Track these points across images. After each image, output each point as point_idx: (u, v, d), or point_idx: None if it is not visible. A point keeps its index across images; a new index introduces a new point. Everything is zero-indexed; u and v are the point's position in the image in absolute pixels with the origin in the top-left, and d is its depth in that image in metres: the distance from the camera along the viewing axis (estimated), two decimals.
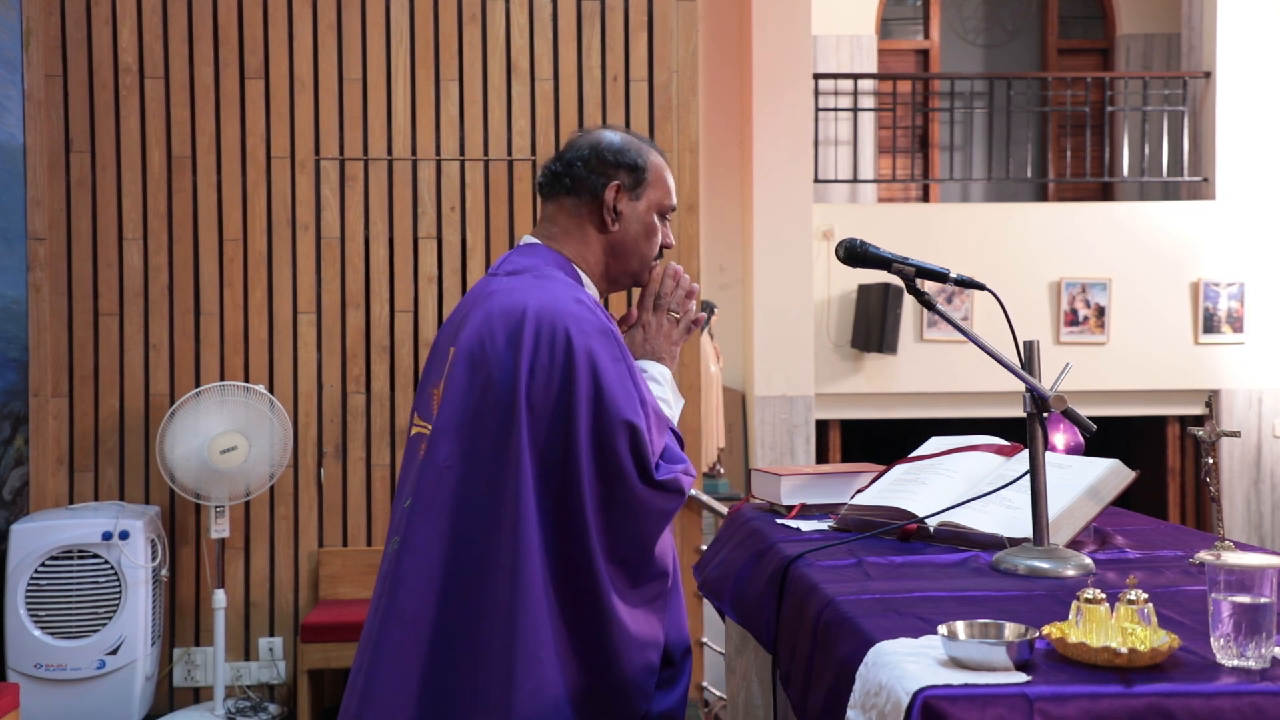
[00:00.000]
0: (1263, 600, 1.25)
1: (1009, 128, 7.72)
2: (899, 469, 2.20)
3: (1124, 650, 1.24)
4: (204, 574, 4.23)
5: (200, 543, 4.24)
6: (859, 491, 2.21)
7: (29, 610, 3.81)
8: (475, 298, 1.92)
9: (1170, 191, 7.92)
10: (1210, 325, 7.24)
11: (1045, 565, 1.69)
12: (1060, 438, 2.32)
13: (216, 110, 4.30)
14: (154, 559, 3.98)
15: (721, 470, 6.37)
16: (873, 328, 6.85)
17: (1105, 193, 8.41)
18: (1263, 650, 1.25)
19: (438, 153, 4.36)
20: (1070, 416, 1.82)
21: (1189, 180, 7.58)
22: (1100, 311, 7.17)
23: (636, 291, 2.06)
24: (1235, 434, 1.77)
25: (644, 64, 4.40)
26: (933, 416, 7.20)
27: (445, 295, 4.34)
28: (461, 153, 4.37)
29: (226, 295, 4.30)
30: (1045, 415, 1.75)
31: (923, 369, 7.08)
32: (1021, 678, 1.23)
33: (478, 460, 1.79)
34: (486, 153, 4.37)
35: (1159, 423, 7.72)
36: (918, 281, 1.87)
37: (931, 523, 1.95)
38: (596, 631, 1.79)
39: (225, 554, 4.20)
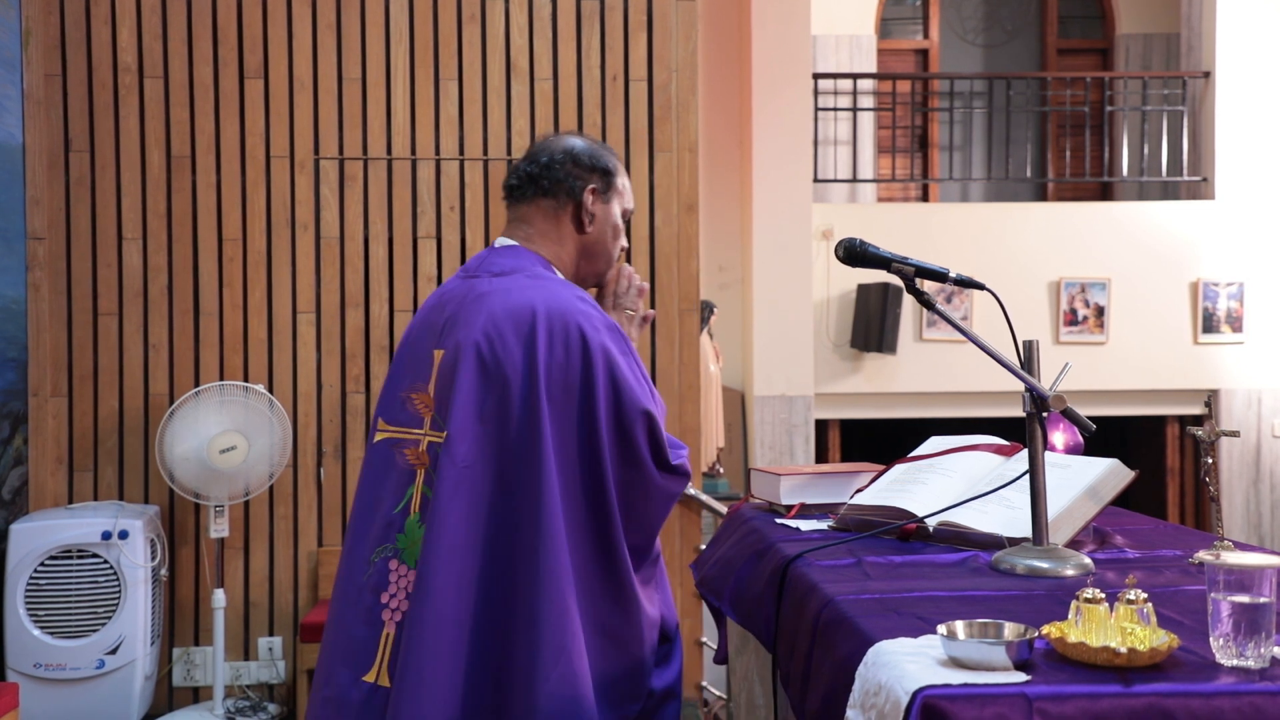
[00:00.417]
0: (1262, 600, 1.25)
1: (1008, 128, 7.72)
2: (898, 469, 2.20)
3: (1123, 650, 1.24)
4: (203, 574, 4.23)
5: (200, 542, 4.24)
6: (858, 491, 2.21)
7: (28, 610, 3.81)
8: (459, 300, 1.93)
9: (1170, 191, 7.92)
10: (1209, 325, 7.24)
11: (1044, 565, 1.69)
12: (1059, 437, 2.32)
13: (216, 110, 4.30)
14: (153, 559, 3.98)
15: (721, 470, 6.37)
16: (872, 327, 6.85)
17: (1105, 193, 8.42)
18: (1262, 650, 1.25)
19: (437, 152, 4.36)
20: (1069, 416, 1.82)
21: (1188, 180, 7.59)
22: (1099, 311, 7.18)
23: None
24: (1234, 434, 1.77)
25: (644, 64, 4.40)
26: (932, 416, 7.20)
27: None
28: (461, 152, 4.37)
29: (226, 295, 4.30)
30: (1044, 415, 1.75)
31: (922, 369, 7.09)
32: (1021, 677, 1.23)
33: (499, 458, 1.83)
34: (486, 152, 4.37)
35: (1158, 422, 7.72)
36: (917, 281, 1.87)
37: (931, 522, 1.95)
38: (623, 616, 1.86)
39: (225, 554, 4.20)
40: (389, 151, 4.35)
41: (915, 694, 1.20)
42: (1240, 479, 7.33)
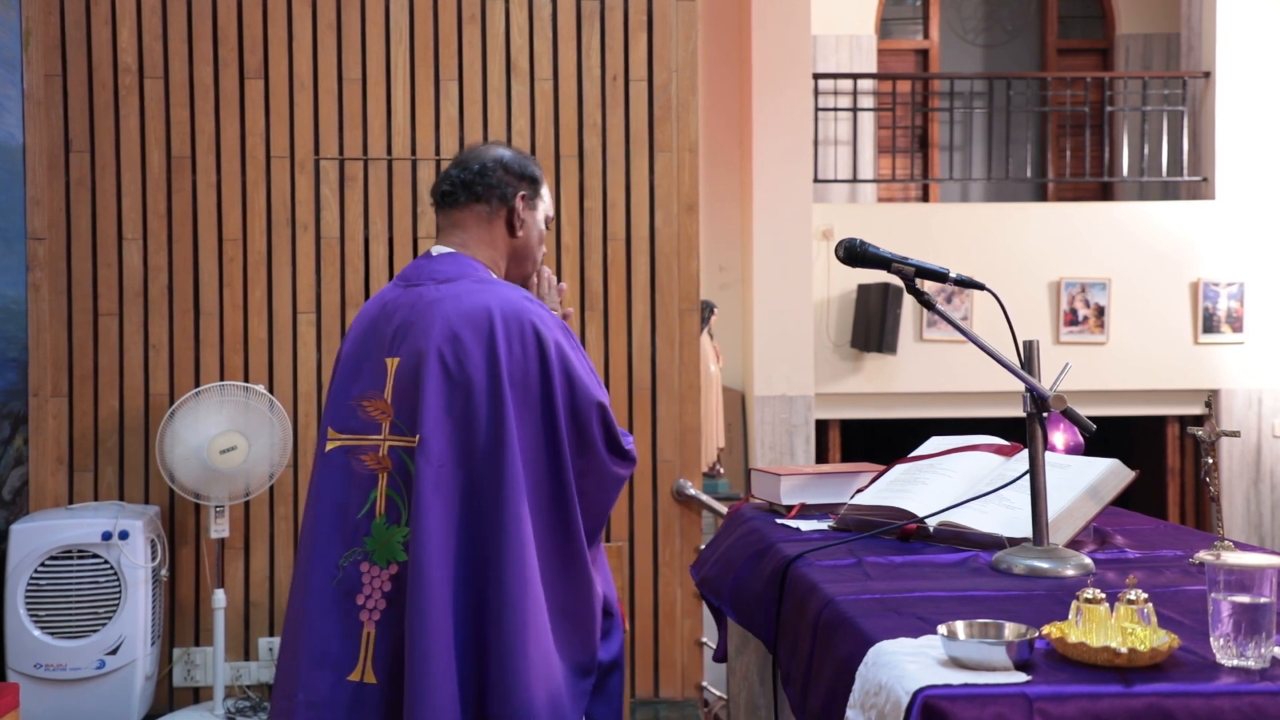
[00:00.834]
0: (1262, 600, 1.25)
1: (1009, 128, 7.72)
2: (899, 469, 2.20)
3: (1124, 650, 1.24)
4: (204, 574, 4.23)
5: (200, 542, 4.24)
6: (859, 491, 2.21)
7: (29, 610, 3.81)
8: (409, 307, 2.01)
9: (1170, 191, 7.92)
10: (1210, 325, 7.24)
11: (1045, 565, 1.70)
12: (1060, 437, 2.32)
13: (216, 110, 4.30)
14: (154, 559, 3.98)
15: (721, 470, 6.37)
16: (872, 327, 6.85)
17: (1105, 193, 8.42)
18: (1262, 650, 1.25)
19: (437, 152, 4.36)
20: (1070, 416, 1.82)
21: (1188, 180, 7.59)
22: (1100, 311, 7.18)
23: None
24: (1235, 434, 1.77)
25: (644, 64, 4.40)
26: (932, 416, 7.20)
27: None
28: (461, 152, 4.36)
29: (226, 295, 4.30)
30: (1045, 415, 1.76)
31: (922, 369, 7.09)
32: (1021, 677, 1.23)
33: (470, 456, 1.93)
34: None
35: (1158, 423, 7.72)
36: (917, 281, 1.87)
37: (931, 523, 1.95)
38: (579, 598, 1.99)
39: (225, 554, 4.20)
40: (389, 151, 4.35)
41: (916, 694, 1.20)
42: (1240, 479, 7.33)
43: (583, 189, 4.37)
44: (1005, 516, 1.89)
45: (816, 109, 7.42)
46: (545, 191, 2.20)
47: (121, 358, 4.26)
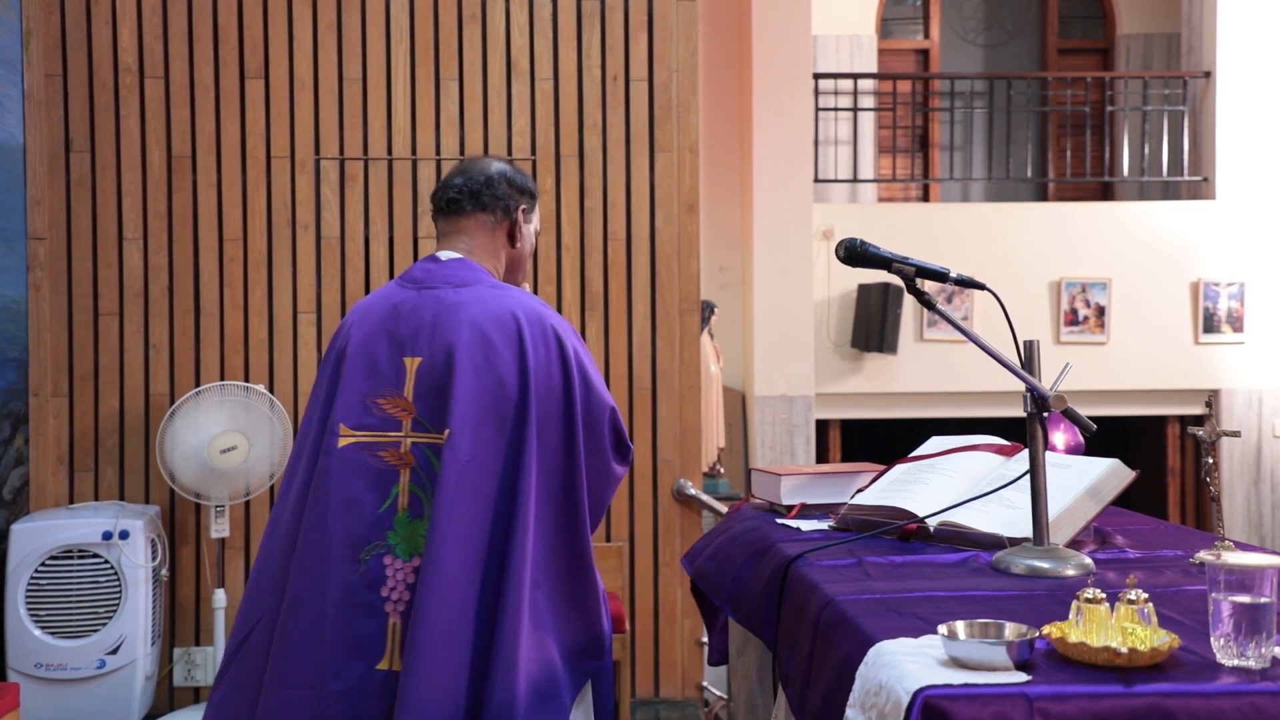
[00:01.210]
0: (1263, 600, 1.25)
1: (1009, 128, 7.72)
2: (899, 469, 2.20)
3: (1124, 650, 1.24)
4: (204, 574, 4.23)
5: (200, 542, 4.24)
6: (859, 491, 2.21)
7: (29, 610, 3.81)
8: (430, 309, 2.07)
9: (1170, 191, 7.92)
10: (1210, 325, 7.24)
11: (1045, 565, 1.70)
12: (1060, 437, 2.32)
13: (216, 110, 4.30)
14: (154, 559, 3.98)
15: (722, 470, 6.37)
16: (873, 327, 6.85)
17: (1105, 192, 8.42)
18: (1263, 650, 1.25)
19: (438, 152, 4.36)
20: (1070, 416, 1.82)
21: (1189, 180, 7.59)
22: (1100, 311, 7.18)
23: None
24: (1235, 434, 1.77)
25: (644, 64, 4.40)
26: (933, 416, 7.20)
27: None
28: (462, 152, 4.36)
29: (226, 295, 4.30)
30: (1045, 415, 1.76)
31: (923, 369, 7.09)
32: (1021, 677, 1.23)
33: (494, 453, 2.01)
34: (487, 152, 4.36)
35: (1159, 422, 7.72)
36: (918, 281, 1.87)
37: (931, 522, 1.95)
38: (585, 588, 2.09)
39: (225, 554, 4.20)
40: (390, 151, 4.35)
41: (916, 694, 1.20)
42: (1241, 479, 7.33)
43: (583, 189, 4.37)
44: (1006, 516, 1.89)
45: (817, 109, 7.42)
46: (537, 205, 2.31)
47: (122, 357, 4.26)
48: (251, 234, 4.30)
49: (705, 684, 4.35)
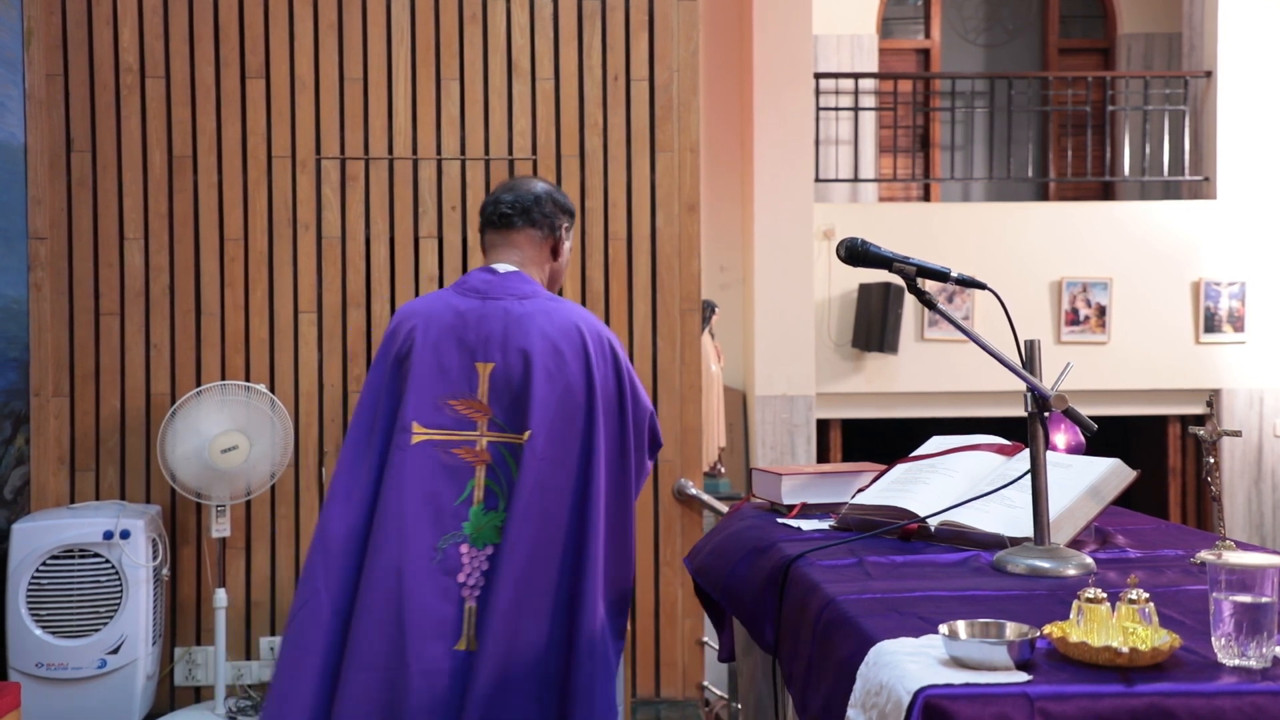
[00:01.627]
0: (1264, 600, 1.25)
1: (1010, 127, 7.72)
2: (900, 468, 2.20)
3: (1125, 650, 1.24)
4: (205, 573, 4.24)
5: (201, 542, 4.24)
6: (860, 491, 2.21)
7: (30, 610, 3.81)
8: (494, 319, 2.28)
9: (1171, 191, 7.92)
10: (1211, 325, 7.24)
11: (1046, 565, 1.69)
12: (1061, 437, 2.32)
13: (217, 110, 4.30)
14: (155, 558, 3.98)
15: (722, 470, 6.37)
16: (873, 327, 6.85)
17: (1106, 192, 8.41)
18: (1264, 650, 1.25)
19: (439, 152, 4.36)
20: (1071, 416, 1.82)
21: (1190, 180, 7.58)
22: (1101, 311, 7.17)
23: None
24: (1236, 433, 1.77)
25: (645, 63, 4.40)
26: (933, 416, 7.19)
27: None
28: (462, 152, 4.37)
29: (227, 295, 4.30)
30: (1046, 415, 1.76)
31: (923, 368, 7.08)
32: (1022, 677, 1.23)
33: (568, 451, 2.24)
34: (487, 152, 4.37)
35: (1160, 422, 7.72)
36: (919, 281, 1.87)
37: (932, 522, 1.95)
38: (629, 559, 2.39)
39: (226, 553, 4.20)
40: (390, 151, 4.35)
41: (917, 694, 1.20)
42: (1242, 479, 7.33)
43: (584, 189, 4.37)
44: (1006, 516, 1.89)
45: (818, 109, 7.42)
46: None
47: (123, 357, 4.27)
48: (252, 234, 4.30)
49: (706, 684, 4.35)
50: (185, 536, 4.26)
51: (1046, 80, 8.07)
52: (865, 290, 7.00)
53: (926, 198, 8.49)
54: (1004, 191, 8.47)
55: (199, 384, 4.22)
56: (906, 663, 1.28)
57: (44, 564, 3.81)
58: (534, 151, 4.37)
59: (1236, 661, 1.26)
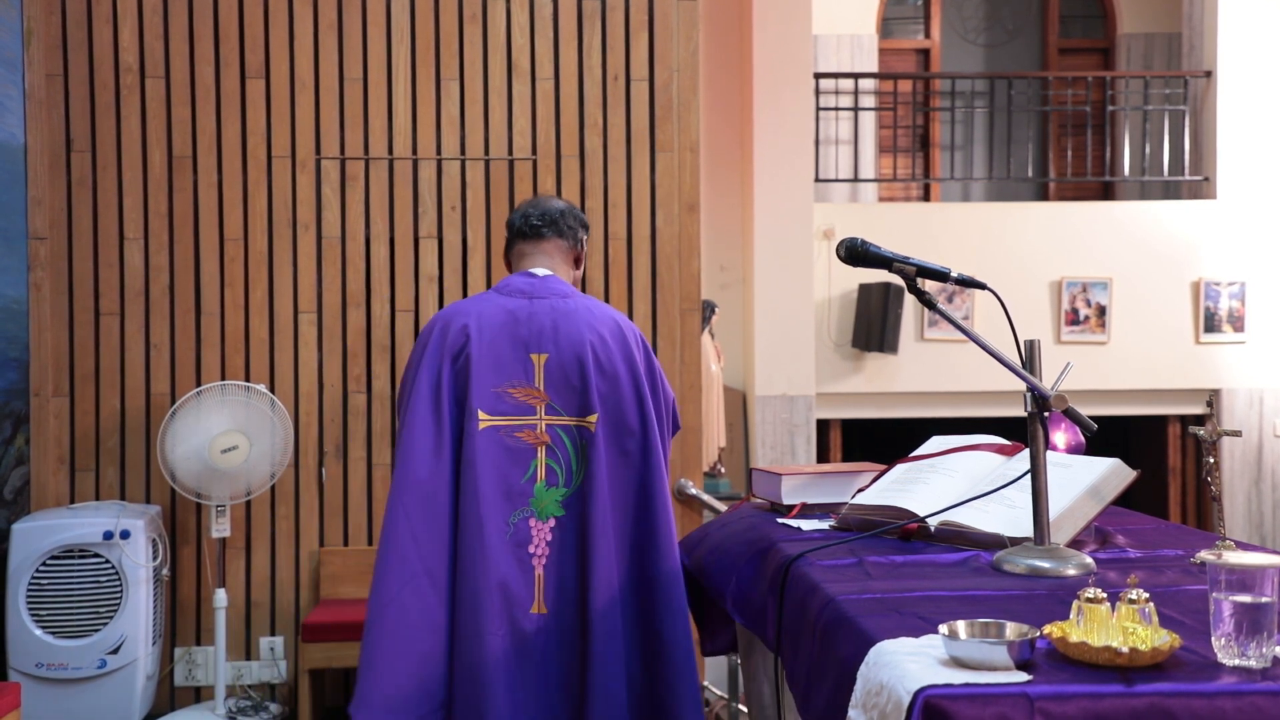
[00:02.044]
0: (1264, 600, 1.25)
1: (1009, 127, 7.71)
2: (900, 468, 2.20)
3: (1125, 650, 1.24)
4: (205, 573, 4.24)
5: (201, 542, 4.24)
6: (860, 491, 2.21)
7: (30, 610, 3.81)
8: (548, 314, 2.54)
9: (1171, 191, 7.92)
10: (1211, 325, 7.24)
11: (1046, 565, 1.69)
12: (1061, 437, 2.32)
13: (217, 110, 4.30)
14: (155, 558, 3.98)
15: (722, 470, 6.37)
16: (873, 327, 6.85)
17: (1106, 192, 8.41)
18: (1264, 649, 1.25)
19: (438, 152, 4.36)
20: (1071, 416, 1.82)
21: (1190, 180, 7.58)
22: (1101, 311, 7.17)
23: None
24: (1236, 433, 1.77)
25: (644, 63, 4.40)
26: (933, 416, 7.19)
27: (446, 295, 4.34)
28: (462, 152, 4.37)
29: (227, 295, 4.30)
30: (1046, 414, 1.76)
31: (923, 368, 7.08)
32: (1022, 677, 1.23)
33: (623, 430, 2.52)
34: (487, 152, 4.37)
35: (1160, 422, 7.71)
36: (919, 281, 1.87)
37: (932, 522, 1.95)
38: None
39: (226, 553, 4.20)
40: (390, 151, 4.35)
41: (917, 694, 1.20)
42: (1242, 479, 7.33)
43: (584, 188, 4.37)
44: (1006, 516, 1.89)
45: (817, 108, 7.42)
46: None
47: (123, 357, 4.27)
48: (252, 234, 4.30)
49: (706, 684, 4.35)
50: (185, 536, 4.26)
51: (1046, 80, 8.07)
52: (865, 290, 7.00)
53: (926, 198, 8.49)
54: (1004, 191, 8.47)
55: (199, 384, 4.22)
56: (906, 663, 1.28)
57: (44, 564, 3.81)
58: (534, 151, 4.37)
59: (1236, 661, 1.26)
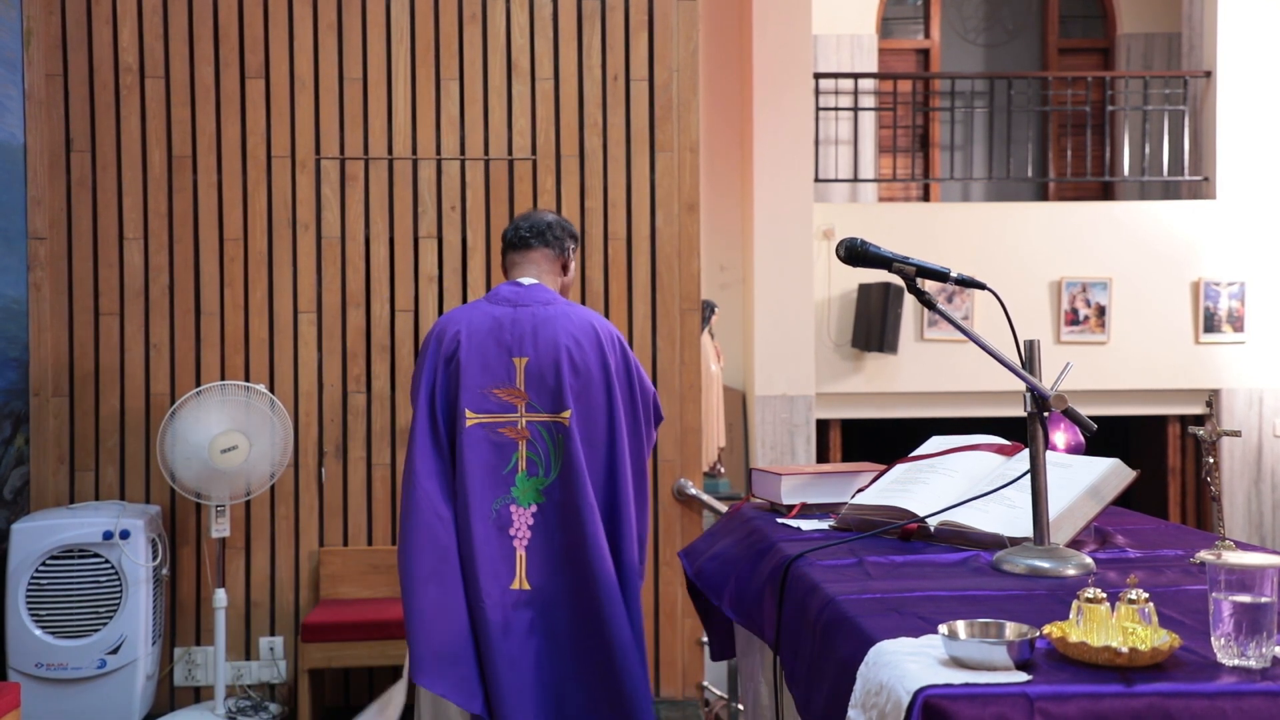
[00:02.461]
0: (1263, 600, 1.25)
1: (1009, 127, 7.72)
2: (899, 468, 2.20)
3: (1124, 650, 1.24)
4: (205, 573, 4.24)
5: (201, 542, 4.24)
6: (859, 491, 2.21)
7: (30, 610, 3.81)
8: (529, 321, 2.80)
9: (1171, 191, 7.92)
10: (1211, 325, 7.24)
11: (1046, 565, 1.69)
12: (1061, 437, 2.32)
13: (217, 110, 4.30)
14: (155, 558, 3.98)
15: (722, 470, 6.37)
16: (873, 327, 6.85)
17: (1106, 192, 8.41)
18: (1263, 650, 1.25)
19: (438, 152, 4.36)
20: (1071, 416, 1.82)
21: (1189, 180, 7.58)
22: (1101, 311, 7.17)
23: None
24: (1236, 433, 1.77)
25: (644, 63, 4.40)
26: (933, 416, 7.19)
27: (445, 295, 4.34)
28: (462, 152, 4.37)
29: (227, 295, 4.30)
30: (1046, 414, 1.75)
31: (923, 368, 7.08)
32: (1022, 677, 1.23)
33: (594, 425, 2.81)
34: (487, 152, 4.37)
35: (1159, 422, 7.71)
36: (918, 281, 1.87)
37: (932, 522, 1.95)
38: (646, 504, 2.93)
39: (226, 553, 4.20)
40: (390, 151, 4.35)
41: (916, 694, 1.20)
42: (1241, 479, 7.33)
43: (583, 188, 4.37)
44: (1006, 516, 1.89)
45: (817, 108, 7.42)
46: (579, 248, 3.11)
47: (122, 357, 4.27)
48: (252, 234, 4.30)
49: (705, 684, 4.35)
50: (185, 536, 4.26)
51: (1046, 80, 8.07)
52: (865, 290, 7.00)
53: (926, 198, 8.48)
54: (1004, 191, 8.47)
55: (199, 384, 4.22)
56: (906, 663, 1.28)
57: (44, 564, 3.81)
58: (534, 151, 4.37)
59: (1236, 661, 1.26)
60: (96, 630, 3.84)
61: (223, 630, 4.05)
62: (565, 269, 3.00)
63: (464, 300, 4.34)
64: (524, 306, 2.83)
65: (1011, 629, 1.34)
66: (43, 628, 3.81)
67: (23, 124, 4.11)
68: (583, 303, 4.31)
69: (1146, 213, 7.32)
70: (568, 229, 3.00)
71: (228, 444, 3.89)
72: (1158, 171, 7.82)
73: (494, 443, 2.77)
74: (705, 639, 4.34)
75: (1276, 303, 7.26)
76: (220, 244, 4.30)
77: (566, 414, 2.78)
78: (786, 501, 2.30)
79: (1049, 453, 1.83)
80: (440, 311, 4.34)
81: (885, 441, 7.41)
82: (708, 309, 6.31)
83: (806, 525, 2.16)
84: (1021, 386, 1.77)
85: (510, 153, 4.36)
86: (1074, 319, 7.17)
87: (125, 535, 3.85)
